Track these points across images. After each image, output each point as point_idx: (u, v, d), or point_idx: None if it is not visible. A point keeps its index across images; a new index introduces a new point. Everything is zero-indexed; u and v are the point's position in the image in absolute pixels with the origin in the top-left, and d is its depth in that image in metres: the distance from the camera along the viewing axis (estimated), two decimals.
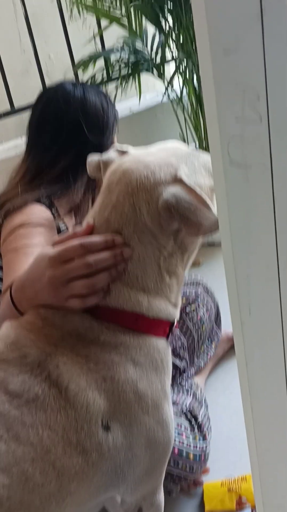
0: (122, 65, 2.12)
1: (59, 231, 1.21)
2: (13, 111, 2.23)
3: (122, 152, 0.91)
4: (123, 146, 0.93)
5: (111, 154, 0.92)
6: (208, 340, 1.54)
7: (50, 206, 1.22)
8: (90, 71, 2.12)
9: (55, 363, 0.78)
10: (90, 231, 0.83)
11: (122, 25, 2.00)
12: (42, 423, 0.76)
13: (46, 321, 0.83)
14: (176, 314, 0.88)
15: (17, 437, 0.75)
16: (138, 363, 0.82)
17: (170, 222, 0.80)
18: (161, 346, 0.85)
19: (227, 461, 1.34)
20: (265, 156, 0.56)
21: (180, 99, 2.13)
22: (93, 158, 0.95)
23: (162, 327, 0.86)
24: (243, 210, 0.59)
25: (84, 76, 2.16)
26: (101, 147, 1.29)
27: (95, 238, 0.80)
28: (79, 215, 1.28)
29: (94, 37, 2.14)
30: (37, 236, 1.11)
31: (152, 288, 0.83)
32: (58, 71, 2.46)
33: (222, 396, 1.54)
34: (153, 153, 0.87)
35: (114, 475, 0.80)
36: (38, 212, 1.17)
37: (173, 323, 0.88)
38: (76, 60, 2.28)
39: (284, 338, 0.67)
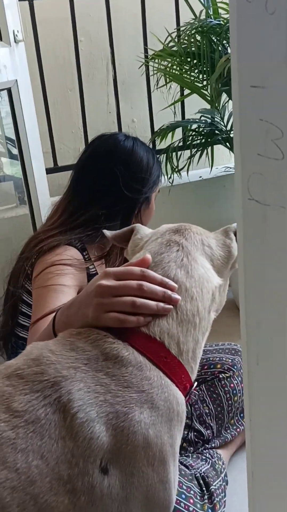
0: (198, 136, 2.20)
1: (88, 274, 1.23)
2: None
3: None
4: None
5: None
6: (240, 414, 1.46)
7: (82, 250, 1.26)
8: (169, 138, 2.22)
9: (69, 389, 0.74)
10: (147, 265, 0.86)
11: (203, 96, 2.09)
12: (35, 450, 0.70)
13: (73, 344, 0.80)
14: (194, 374, 0.86)
15: (3, 460, 0.69)
16: (155, 407, 0.77)
17: (234, 246, 0.93)
18: (181, 400, 0.81)
19: None
20: (284, 197, 0.55)
21: None
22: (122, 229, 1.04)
23: (185, 379, 0.82)
24: (258, 248, 0.58)
25: (162, 143, 2.25)
26: (136, 201, 1.34)
27: (155, 273, 0.84)
28: (109, 264, 1.30)
29: (174, 107, 2.24)
30: (68, 275, 1.14)
31: (194, 323, 0.84)
32: (139, 134, 2.58)
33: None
34: None
35: None
36: (70, 253, 1.21)
37: (192, 385, 0.85)
38: (156, 126, 2.40)
39: None
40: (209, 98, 2.06)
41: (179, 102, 2.37)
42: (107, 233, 1.03)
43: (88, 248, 1.29)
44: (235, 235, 0.95)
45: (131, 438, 0.74)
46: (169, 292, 0.83)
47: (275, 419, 0.64)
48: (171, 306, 0.82)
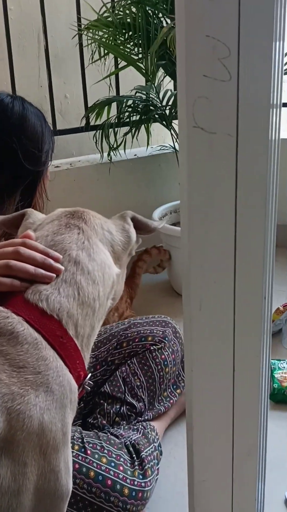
0: (133, 112, 2.16)
1: None
2: None
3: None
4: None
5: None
6: (173, 386, 1.44)
7: None
8: (103, 116, 2.17)
9: None
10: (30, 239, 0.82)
11: (139, 69, 2.06)
12: None
13: None
14: (87, 364, 0.81)
15: None
16: (50, 391, 0.71)
17: (133, 231, 0.90)
18: (74, 387, 0.76)
19: None
20: (231, 124, 0.52)
21: None
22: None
23: (80, 366, 0.77)
24: (204, 181, 0.55)
25: (96, 120, 2.19)
26: (39, 172, 1.21)
27: (37, 243, 0.80)
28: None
29: (109, 80, 2.19)
30: None
31: (93, 307, 0.79)
32: (72, 110, 2.51)
33: (182, 450, 1.43)
34: None
35: None
36: None
37: (86, 375, 0.80)
38: (90, 102, 2.34)
39: (235, 340, 0.60)
40: (144, 71, 2.02)
41: (114, 78, 2.32)
42: None
43: None
44: (132, 220, 0.93)
45: (26, 423, 0.67)
46: (51, 260, 0.78)
47: (217, 366, 0.61)
48: (52, 274, 0.77)
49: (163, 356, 1.40)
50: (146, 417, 1.36)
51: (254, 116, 0.51)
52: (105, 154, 2.18)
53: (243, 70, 0.50)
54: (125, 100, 2.16)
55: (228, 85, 0.51)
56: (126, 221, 0.92)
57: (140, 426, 1.30)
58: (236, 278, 0.58)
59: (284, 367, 1.63)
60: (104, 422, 1.31)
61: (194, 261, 0.59)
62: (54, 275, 0.77)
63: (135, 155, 2.32)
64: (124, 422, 1.32)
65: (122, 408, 1.33)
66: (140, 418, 1.34)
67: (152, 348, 1.40)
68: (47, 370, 0.71)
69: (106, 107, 2.16)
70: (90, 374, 0.81)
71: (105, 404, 1.34)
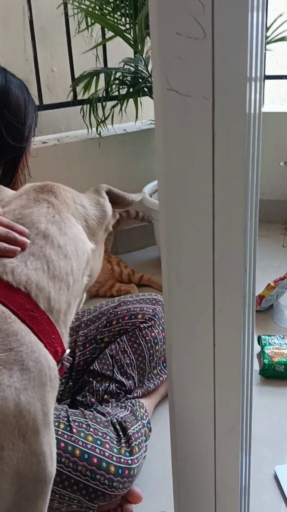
0: (121, 85, 2.11)
1: None
2: None
3: None
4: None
5: None
6: (162, 363, 1.43)
7: None
8: (91, 89, 2.12)
9: None
10: None
11: (127, 40, 2.00)
12: None
13: None
14: (66, 341, 0.77)
15: None
16: (26, 369, 0.68)
17: (108, 205, 0.87)
18: (52, 364, 0.72)
19: (164, 496, 1.21)
20: (207, 86, 0.49)
21: None
22: None
23: (56, 341, 0.74)
24: (180, 147, 0.52)
25: (84, 94, 2.14)
26: (21, 148, 1.16)
27: (3, 218, 0.76)
28: None
29: (96, 50, 2.13)
30: None
31: (67, 282, 0.75)
32: (59, 85, 2.45)
33: None
34: None
35: None
36: None
37: (65, 351, 0.76)
38: (77, 75, 2.28)
39: (215, 315, 0.58)
40: (132, 42, 1.97)
41: (102, 50, 2.27)
42: None
43: None
44: (108, 194, 0.89)
45: (1, 405, 0.64)
46: (15, 233, 0.74)
47: (197, 341, 0.59)
48: (16, 248, 0.74)
49: (153, 334, 1.39)
50: (136, 395, 1.35)
51: (231, 78, 0.48)
52: (94, 129, 2.13)
53: (218, 27, 0.47)
54: (113, 72, 2.10)
55: (203, 44, 0.48)
56: (100, 195, 0.88)
57: (129, 403, 1.29)
58: (215, 250, 0.55)
59: (274, 343, 1.62)
60: (93, 400, 1.30)
61: (171, 232, 0.56)
62: (19, 248, 0.73)
63: (124, 130, 2.28)
64: (113, 399, 1.31)
65: (111, 386, 1.32)
66: (129, 396, 1.33)
67: (142, 326, 1.39)
68: (19, 346, 0.67)
69: (94, 80, 2.10)
70: (69, 350, 0.77)
71: (94, 382, 1.33)
